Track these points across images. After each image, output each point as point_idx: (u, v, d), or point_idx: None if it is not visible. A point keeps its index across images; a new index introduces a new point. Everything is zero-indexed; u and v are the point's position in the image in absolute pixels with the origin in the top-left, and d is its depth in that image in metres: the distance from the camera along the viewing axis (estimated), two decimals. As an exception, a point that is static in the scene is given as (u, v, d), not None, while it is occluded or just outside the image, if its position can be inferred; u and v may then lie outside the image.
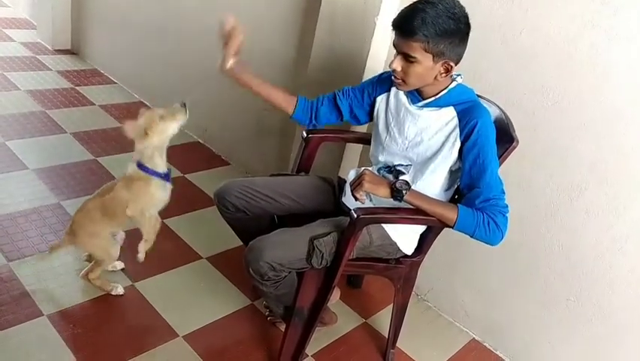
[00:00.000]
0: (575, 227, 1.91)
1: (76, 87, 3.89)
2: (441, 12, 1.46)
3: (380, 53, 2.32)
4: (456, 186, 1.69)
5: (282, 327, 1.96)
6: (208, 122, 3.40)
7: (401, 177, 1.61)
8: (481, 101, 1.69)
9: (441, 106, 1.62)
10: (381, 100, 1.80)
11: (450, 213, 1.55)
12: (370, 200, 1.80)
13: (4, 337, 1.79)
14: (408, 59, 1.52)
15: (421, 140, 1.66)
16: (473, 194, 1.56)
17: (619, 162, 1.79)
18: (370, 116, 1.86)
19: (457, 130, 1.59)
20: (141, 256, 1.95)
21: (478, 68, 1.99)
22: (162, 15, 3.57)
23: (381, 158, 1.78)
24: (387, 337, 2.04)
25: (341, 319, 2.17)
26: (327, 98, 1.89)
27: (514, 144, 1.68)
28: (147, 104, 3.84)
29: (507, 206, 1.56)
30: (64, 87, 3.84)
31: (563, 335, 2.02)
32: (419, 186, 1.65)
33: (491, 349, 2.23)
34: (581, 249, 1.91)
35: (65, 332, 1.85)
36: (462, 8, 1.50)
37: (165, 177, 1.92)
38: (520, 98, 1.94)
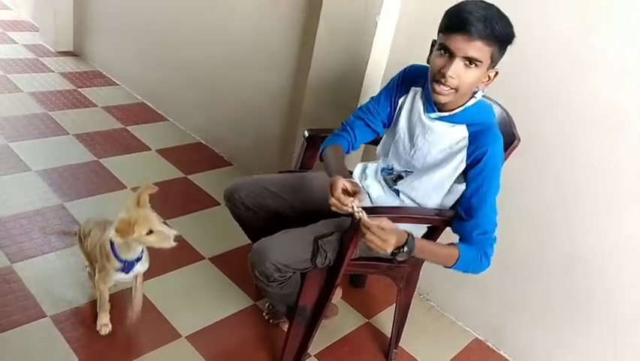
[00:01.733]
0: (577, 226, 1.91)
1: (79, 89, 3.90)
2: (501, 14, 1.40)
3: (382, 52, 2.32)
4: (451, 195, 1.66)
5: (285, 327, 1.96)
6: (210, 123, 3.41)
7: (404, 250, 1.50)
8: (490, 103, 1.67)
9: (455, 123, 1.57)
10: (403, 101, 1.72)
11: (450, 261, 1.56)
12: (370, 201, 1.80)
13: (8, 338, 1.79)
14: (469, 63, 1.41)
15: (428, 152, 1.63)
16: (471, 225, 1.55)
17: (620, 161, 1.79)
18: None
19: (465, 153, 1.55)
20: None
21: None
22: (164, 16, 3.58)
23: (388, 156, 1.77)
24: (389, 336, 2.04)
25: (344, 318, 2.17)
26: (357, 126, 1.79)
27: (515, 142, 1.67)
28: (149, 105, 3.85)
29: (496, 238, 1.58)
30: (66, 89, 3.85)
31: (566, 333, 2.02)
32: (416, 194, 1.66)
33: (494, 348, 2.22)
34: (583, 248, 1.91)
35: (68, 333, 1.85)
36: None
37: (127, 266, 1.76)
38: (522, 97, 1.93)
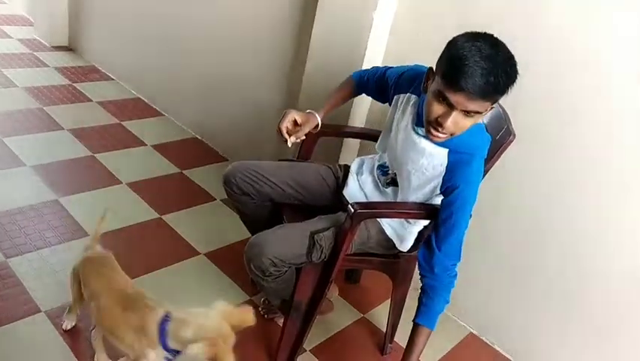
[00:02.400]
0: (574, 221, 1.92)
1: (74, 84, 3.88)
2: (505, 61, 1.34)
3: (378, 48, 2.32)
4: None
5: (280, 322, 1.96)
6: (206, 118, 3.40)
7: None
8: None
9: (438, 145, 1.54)
10: (401, 100, 1.70)
11: (427, 334, 1.64)
12: (365, 197, 1.80)
13: (3, 333, 1.79)
14: (469, 113, 1.39)
15: (406, 161, 1.62)
16: (434, 260, 1.55)
17: (617, 158, 1.79)
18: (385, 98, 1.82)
19: (441, 179, 1.55)
20: None
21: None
22: (160, 11, 3.56)
23: (385, 153, 1.79)
24: (385, 331, 2.05)
25: (339, 314, 2.18)
26: (376, 81, 1.84)
27: (510, 137, 1.68)
28: (144, 100, 3.84)
29: (457, 274, 1.60)
30: (61, 84, 3.83)
31: (561, 328, 2.03)
32: (403, 193, 1.68)
33: (489, 343, 2.23)
34: (580, 243, 1.92)
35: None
36: (506, 46, 1.38)
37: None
38: (517, 92, 1.93)
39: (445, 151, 1.53)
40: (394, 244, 1.76)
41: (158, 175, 2.94)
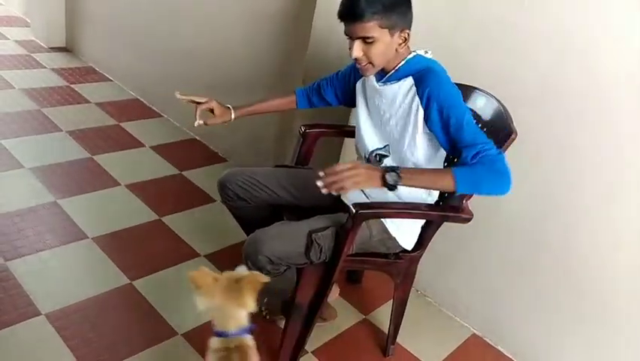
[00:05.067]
0: (575, 221, 1.91)
1: (72, 85, 3.87)
2: None
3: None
4: (441, 152, 1.67)
5: (282, 323, 1.95)
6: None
7: (385, 165, 1.55)
8: (478, 92, 1.67)
9: (400, 77, 1.64)
10: (358, 86, 1.83)
11: (447, 182, 1.48)
12: (366, 196, 1.79)
13: (2, 337, 1.77)
14: (366, 41, 1.54)
15: (390, 115, 1.67)
16: (463, 156, 1.51)
17: (619, 157, 1.78)
18: (354, 101, 1.86)
19: (417, 98, 1.59)
20: None
21: (476, 62, 1.98)
22: (156, 12, 3.55)
23: (363, 142, 1.78)
24: (387, 332, 2.03)
25: (341, 315, 2.16)
26: (315, 90, 1.99)
27: (512, 135, 1.67)
28: (143, 101, 3.83)
29: (500, 153, 1.51)
30: (59, 85, 3.82)
31: (564, 328, 2.02)
32: (402, 162, 1.67)
33: (492, 344, 2.22)
34: (581, 243, 1.91)
35: (63, 331, 1.84)
36: None
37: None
38: (519, 91, 1.93)
39: (408, 78, 1.62)
40: (397, 243, 1.75)
41: (157, 177, 2.93)
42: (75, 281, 2.06)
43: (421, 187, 1.56)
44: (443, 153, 1.68)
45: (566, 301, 1.99)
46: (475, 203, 1.69)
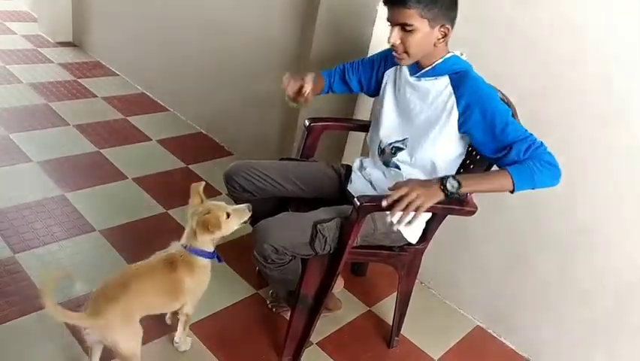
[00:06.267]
0: (580, 213, 1.91)
1: (79, 79, 3.89)
2: None
3: (382, 41, 2.30)
4: (459, 155, 1.69)
5: (287, 315, 1.97)
6: (210, 112, 3.40)
7: (448, 180, 1.48)
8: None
9: (437, 75, 1.64)
10: (388, 75, 1.82)
11: (505, 182, 1.50)
12: (374, 189, 1.80)
13: (12, 328, 1.80)
14: (405, 28, 1.54)
15: (421, 110, 1.68)
16: (512, 152, 1.52)
17: (624, 152, 1.78)
18: (378, 89, 1.86)
19: (453, 98, 1.60)
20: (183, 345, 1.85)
21: (482, 59, 1.98)
22: (163, 6, 3.56)
23: (384, 133, 1.77)
24: (391, 324, 2.05)
25: (345, 307, 2.18)
26: (338, 75, 1.96)
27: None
28: (149, 95, 3.85)
29: (543, 143, 1.53)
30: (66, 79, 3.84)
31: (567, 320, 2.02)
32: (418, 158, 1.68)
33: (495, 335, 2.23)
34: (586, 234, 1.91)
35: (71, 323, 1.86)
36: None
37: (217, 257, 1.73)
38: (525, 88, 1.93)
39: (444, 77, 1.63)
40: (401, 236, 1.76)
41: (164, 170, 2.95)
42: (83, 274, 2.08)
43: (481, 191, 1.57)
44: (461, 156, 1.70)
45: (570, 295, 1.99)
46: (479, 196, 1.69)
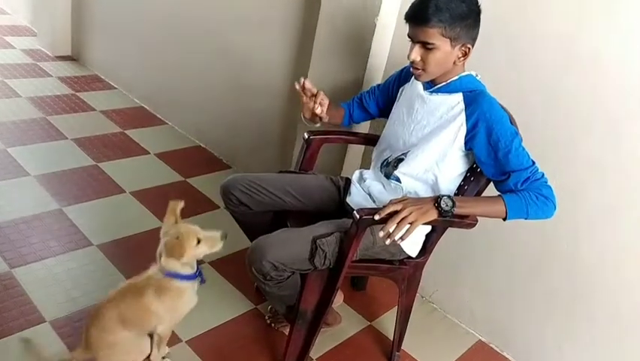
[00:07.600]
0: (580, 227, 1.90)
1: (77, 93, 3.89)
2: None
3: (381, 54, 2.31)
4: (461, 173, 1.70)
5: (286, 330, 1.95)
6: (209, 126, 3.40)
7: (443, 199, 1.51)
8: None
9: (450, 92, 1.65)
10: (402, 89, 1.85)
11: (499, 209, 1.53)
12: (373, 201, 1.79)
13: (8, 344, 1.78)
14: (426, 46, 1.55)
15: (427, 123, 1.68)
16: (510, 180, 1.54)
17: (622, 161, 1.78)
18: None
19: (463, 115, 1.60)
20: None
21: (479, 66, 1.98)
22: (162, 20, 3.57)
23: (393, 146, 1.78)
24: (392, 339, 2.03)
25: (345, 322, 2.16)
26: (357, 103, 2.01)
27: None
28: (148, 108, 3.85)
29: (544, 175, 1.54)
30: (64, 93, 3.84)
31: (570, 335, 2.00)
32: (420, 171, 1.68)
33: (498, 350, 2.21)
34: (586, 249, 1.90)
35: (68, 339, 1.84)
36: None
37: (199, 275, 1.68)
38: (522, 96, 1.93)
39: (458, 94, 1.63)
40: (401, 249, 1.75)
41: (162, 183, 2.94)
42: (80, 288, 2.06)
43: (474, 214, 1.59)
44: (463, 174, 1.71)
45: (573, 307, 1.98)
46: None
